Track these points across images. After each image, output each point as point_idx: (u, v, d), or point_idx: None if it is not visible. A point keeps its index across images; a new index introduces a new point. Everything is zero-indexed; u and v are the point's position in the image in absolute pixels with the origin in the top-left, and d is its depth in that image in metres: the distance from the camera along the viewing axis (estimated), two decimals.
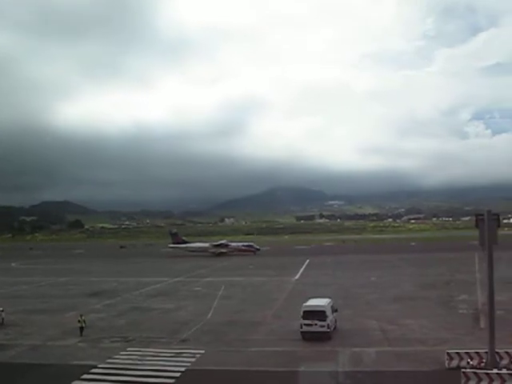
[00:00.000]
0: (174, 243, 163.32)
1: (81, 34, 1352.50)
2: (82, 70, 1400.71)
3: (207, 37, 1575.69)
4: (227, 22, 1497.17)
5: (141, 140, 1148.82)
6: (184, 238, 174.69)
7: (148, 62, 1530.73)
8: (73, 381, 32.11)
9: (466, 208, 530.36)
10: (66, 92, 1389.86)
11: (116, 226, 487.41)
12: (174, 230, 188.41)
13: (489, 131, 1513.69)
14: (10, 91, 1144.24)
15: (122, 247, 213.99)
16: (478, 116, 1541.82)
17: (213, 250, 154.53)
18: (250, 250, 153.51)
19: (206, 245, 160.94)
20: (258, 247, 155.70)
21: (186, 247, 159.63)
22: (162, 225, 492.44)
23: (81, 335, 44.23)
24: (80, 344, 41.47)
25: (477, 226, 31.98)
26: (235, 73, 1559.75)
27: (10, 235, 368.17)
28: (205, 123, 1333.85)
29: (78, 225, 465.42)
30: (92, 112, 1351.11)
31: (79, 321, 45.17)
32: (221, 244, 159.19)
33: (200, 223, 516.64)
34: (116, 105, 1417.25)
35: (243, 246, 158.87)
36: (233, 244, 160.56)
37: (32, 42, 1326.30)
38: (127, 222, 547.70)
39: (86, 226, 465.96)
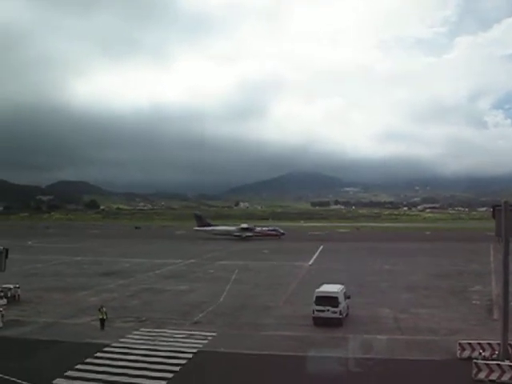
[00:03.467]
0: (199, 226, 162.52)
1: (96, 6, 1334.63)
2: (96, 46, 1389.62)
3: (227, 14, 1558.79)
4: None
5: (156, 120, 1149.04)
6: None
7: (165, 39, 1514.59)
8: (86, 358, 32.50)
9: (483, 198, 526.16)
10: (81, 68, 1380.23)
11: (131, 208, 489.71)
12: (199, 213, 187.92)
13: (508, 121, 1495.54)
14: (23, 67, 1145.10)
15: (136, 228, 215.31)
16: (497, 105, 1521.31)
17: (239, 234, 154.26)
18: (276, 235, 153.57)
19: (232, 228, 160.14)
20: (282, 231, 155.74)
21: (212, 230, 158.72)
22: (177, 207, 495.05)
23: (102, 328, 40.57)
24: (93, 323, 41.85)
25: (493, 216, 31.70)
26: (254, 52, 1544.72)
27: (26, 214, 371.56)
28: (221, 104, 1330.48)
29: (93, 205, 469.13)
30: (107, 90, 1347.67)
31: (100, 310, 41.46)
32: (247, 228, 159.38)
33: (215, 207, 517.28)
34: (131, 83, 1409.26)
35: (268, 230, 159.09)
36: (258, 228, 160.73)
37: (45, 15, 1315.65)
38: (142, 204, 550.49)
39: (102, 207, 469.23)
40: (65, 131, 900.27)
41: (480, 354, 32.05)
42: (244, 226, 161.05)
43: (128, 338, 38.05)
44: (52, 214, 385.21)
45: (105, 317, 41.10)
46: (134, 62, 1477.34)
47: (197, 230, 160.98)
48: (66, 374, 29.89)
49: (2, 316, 41.76)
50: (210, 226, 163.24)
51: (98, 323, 40.73)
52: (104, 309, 41.48)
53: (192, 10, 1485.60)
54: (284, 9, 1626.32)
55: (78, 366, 31.14)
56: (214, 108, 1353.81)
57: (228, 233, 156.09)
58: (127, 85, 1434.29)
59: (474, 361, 29.86)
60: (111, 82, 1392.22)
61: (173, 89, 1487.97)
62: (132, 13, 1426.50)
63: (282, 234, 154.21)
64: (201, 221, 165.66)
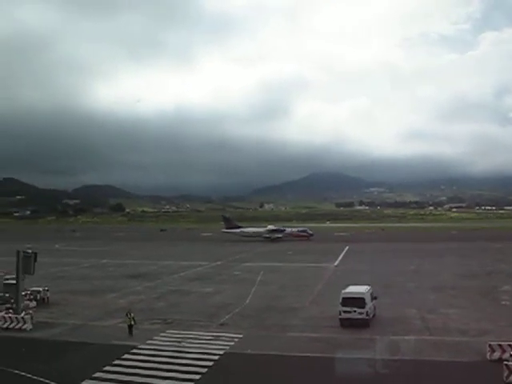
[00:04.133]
0: (227, 228, 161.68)
1: (119, 8, 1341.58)
2: (120, 48, 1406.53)
3: (250, 14, 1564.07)
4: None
5: (180, 122, 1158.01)
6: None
7: (189, 40, 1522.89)
8: (114, 360, 32.75)
9: (511, 197, 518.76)
10: (104, 71, 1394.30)
11: (156, 210, 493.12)
12: (227, 215, 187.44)
13: None
14: (46, 71, 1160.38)
15: (162, 230, 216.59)
16: None
17: (268, 235, 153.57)
18: (305, 236, 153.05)
19: (261, 230, 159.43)
20: (311, 232, 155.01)
21: (241, 232, 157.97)
22: (202, 209, 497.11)
23: (130, 334, 39.50)
24: (121, 325, 42.10)
25: None
26: (277, 53, 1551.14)
27: (53, 217, 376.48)
28: (245, 105, 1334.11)
29: (119, 208, 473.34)
30: (131, 93, 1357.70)
31: (128, 316, 40.29)
32: (277, 229, 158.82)
33: (240, 208, 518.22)
34: (155, 85, 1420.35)
35: (298, 231, 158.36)
36: (288, 229, 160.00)
37: (68, 17, 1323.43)
38: (167, 207, 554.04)
39: (127, 210, 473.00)
40: (89, 135, 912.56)
41: (511, 355, 31.54)
42: (271, 227, 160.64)
43: (155, 339, 38.23)
44: (78, 217, 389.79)
45: (133, 322, 40.10)
46: (157, 65, 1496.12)
47: (225, 232, 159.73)
48: (94, 375, 30.13)
49: (32, 318, 42.25)
50: (238, 227, 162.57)
51: (125, 325, 40.77)
52: (132, 314, 40.49)
53: (215, 11, 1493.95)
54: (306, 9, 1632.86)
55: (106, 368, 31.38)
56: (238, 109, 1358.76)
57: (257, 234, 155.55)
58: (151, 87, 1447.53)
59: (505, 362, 29.37)
60: (135, 85, 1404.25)
61: (196, 91, 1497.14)
62: (155, 14, 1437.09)
63: (311, 235, 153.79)
64: (229, 223, 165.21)
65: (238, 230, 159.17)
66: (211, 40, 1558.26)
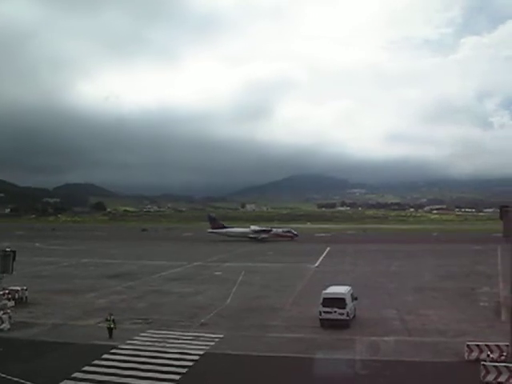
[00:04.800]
0: (213, 228, 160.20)
1: (103, 5, 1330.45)
2: (104, 46, 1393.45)
3: (237, 13, 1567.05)
4: None
5: (164, 121, 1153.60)
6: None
7: (175, 39, 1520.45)
8: (93, 360, 32.55)
9: (490, 199, 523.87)
10: (87, 69, 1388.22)
11: (138, 210, 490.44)
12: (213, 215, 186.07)
13: None
14: (29, 68, 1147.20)
15: (143, 230, 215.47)
16: (504, 106, 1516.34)
17: (254, 235, 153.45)
18: (289, 236, 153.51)
19: (247, 230, 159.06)
20: (296, 233, 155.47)
21: (226, 232, 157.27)
22: (184, 209, 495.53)
23: (110, 337, 38.41)
24: (101, 324, 41.83)
25: (501, 217, 31.58)
26: (263, 53, 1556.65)
27: (33, 216, 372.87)
28: (230, 105, 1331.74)
29: (100, 207, 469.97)
30: (114, 91, 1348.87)
31: (107, 320, 39.13)
32: (264, 229, 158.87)
33: (221, 208, 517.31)
34: (140, 84, 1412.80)
35: (283, 231, 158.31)
36: (274, 230, 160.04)
37: (51, 14, 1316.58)
38: (149, 206, 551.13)
39: (109, 209, 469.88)
40: (72, 133, 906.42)
41: (488, 355, 31.90)
42: (254, 227, 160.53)
43: (135, 339, 38.08)
44: (59, 216, 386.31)
45: (113, 325, 38.86)
46: (142, 63, 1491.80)
47: (211, 232, 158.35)
48: (73, 375, 29.94)
49: (10, 318, 41.83)
50: (224, 227, 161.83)
51: (105, 326, 40.27)
52: (112, 317, 39.21)
53: (201, 10, 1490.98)
54: (293, 9, 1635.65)
55: (86, 368, 31.18)
56: (223, 109, 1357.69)
57: (243, 235, 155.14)
58: (135, 86, 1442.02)
59: (483, 363, 29.71)
60: (119, 83, 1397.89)
61: (181, 90, 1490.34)
62: (141, 12, 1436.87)
63: (296, 235, 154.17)
64: (215, 223, 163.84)
65: (223, 230, 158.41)
66: (197, 39, 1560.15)
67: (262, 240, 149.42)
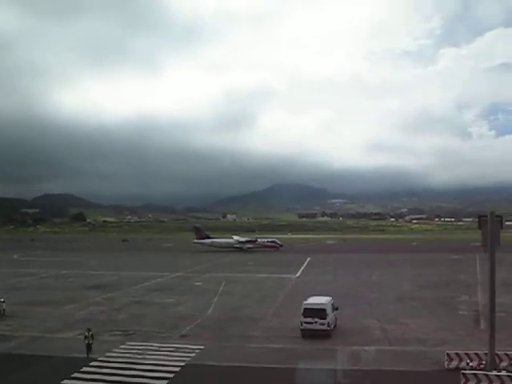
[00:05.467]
0: (198, 238, 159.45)
1: (84, 13, 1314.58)
2: (84, 55, 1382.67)
3: (218, 23, 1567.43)
4: (241, 7, 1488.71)
5: (145, 131, 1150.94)
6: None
7: (156, 48, 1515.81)
8: (72, 373, 32.16)
9: (469, 209, 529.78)
10: (68, 78, 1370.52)
11: (118, 220, 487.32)
12: (198, 225, 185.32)
13: (493, 132, 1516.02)
14: (8, 77, 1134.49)
15: (124, 241, 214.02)
16: (482, 116, 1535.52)
17: (239, 246, 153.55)
18: (274, 246, 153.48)
19: (232, 240, 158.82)
20: (280, 243, 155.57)
21: (212, 242, 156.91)
22: (165, 220, 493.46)
23: (88, 355, 36.30)
24: (80, 337, 41.38)
25: (480, 227, 31.91)
26: (244, 62, 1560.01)
27: (12, 227, 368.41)
28: (211, 115, 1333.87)
29: (80, 218, 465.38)
30: (95, 100, 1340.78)
31: (86, 337, 37.15)
32: (250, 240, 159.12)
33: (202, 219, 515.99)
34: (120, 93, 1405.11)
35: (268, 241, 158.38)
36: (259, 240, 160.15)
37: (30, 23, 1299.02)
38: (129, 217, 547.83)
39: (89, 220, 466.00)
40: (52, 143, 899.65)
41: (467, 364, 32.19)
42: (237, 238, 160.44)
43: (115, 352, 37.74)
44: (38, 227, 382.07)
45: (91, 341, 36.98)
46: (124, 72, 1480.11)
47: (196, 242, 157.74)
48: None
49: None
50: (209, 238, 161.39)
51: (84, 342, 39.30)
52: (91, 332, 37.34)
53: (183, 18, 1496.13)
54: (274, 19, 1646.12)
55: (65, 382, 30.83)
56: (204, 118, 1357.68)
57: (228, 245, 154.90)
58: (116, 95, 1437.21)
59: (462, 371, 29.94)
60: (100, 93, 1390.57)
61: (162, 99, 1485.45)
62: (122, 21, 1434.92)
63: (281, 245, 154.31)
64: (200, 233, 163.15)
65: (208, 241, 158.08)
66: (178, 48, 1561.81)
67: (248, 250, 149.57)
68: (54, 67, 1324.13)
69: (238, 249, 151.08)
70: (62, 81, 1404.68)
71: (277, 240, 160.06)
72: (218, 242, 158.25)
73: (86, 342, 36.96)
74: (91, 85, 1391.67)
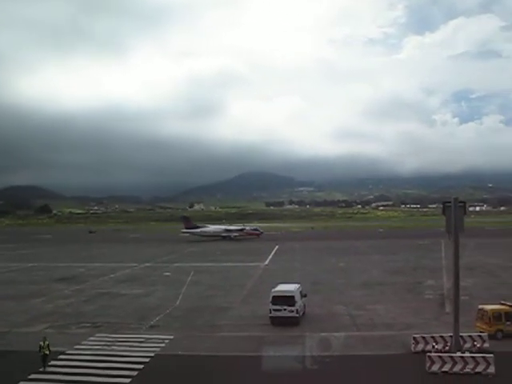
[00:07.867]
0: (186, 228, 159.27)
1: None
2: (43, 37, 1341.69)
3: (185, 6, 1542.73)
4: None
5: (109, 119, 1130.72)
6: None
7: (121, 33, 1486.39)
8: (40, 367, 31.75)
9: (435, 195, 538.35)
10: (26, 61, 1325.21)
11: (84, 211, 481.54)
12: (187, 215, 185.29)
13: (456, 119, 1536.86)
14: None
15: (90, 232, 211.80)
16: (446, 104, 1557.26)
17: (227, 234, 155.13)
18: (257, 234, 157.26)
19: (220, 229, 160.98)
20: (261, 231, 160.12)
21: (201, 232, 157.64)
22: (131, 210, 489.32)
23: (44, 367, 31.84)
24: (47, 330, 40.94)
25: (444, 213, 32.46)
26: (212, 48, 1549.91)
27: None
28: (178, 101, 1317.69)
29: (45, 210, 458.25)
30: (56, 86, 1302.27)
31: (41, 347, 32.23)
32: (238, 229, 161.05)
33: (169, 209, 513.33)
34: (83, 79, 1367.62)
35: (251, 229, 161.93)
36: (247, 228, 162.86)
37: None
38: (96, 208, 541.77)
39: (54, 211, 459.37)
40: (11, 132, 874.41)
41: (433, 346, 32.86)
42: (234, 226, 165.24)
43: (83, 344, 37.42)
44: (1, 219, 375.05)
45: (47, 352, 32.27)
46: (86, 57, 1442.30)
47: (184, 232, 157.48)
48: None
49: None
50: (197, 227, 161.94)
51: (52, 330, 39.03)
52: (46, 342, 32.55)
53: (149, 3, 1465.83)
54: (242, 6, 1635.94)
55: (32, 376, 30.44)
56: (170, 106, 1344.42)
57: (217, 234, 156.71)
58: (78, 81, 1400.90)
59: (428, 354, 30.58)
60: (62, 79, 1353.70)
61: (127, 86, 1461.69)
62: (85, 2, 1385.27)
63: (261, 232, 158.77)
64: (188, 223, 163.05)
65: (197, 230, 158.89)
66: (144, 33, 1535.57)
67: (235, 238, 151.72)
68: (11, 50, 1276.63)
69: (226, 237, 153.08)
70: (21, 64, 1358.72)
71: (258, 227, 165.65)
72: (207, 231, 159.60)
73: (42, 352, 32.19)
74: (52, 70, 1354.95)
